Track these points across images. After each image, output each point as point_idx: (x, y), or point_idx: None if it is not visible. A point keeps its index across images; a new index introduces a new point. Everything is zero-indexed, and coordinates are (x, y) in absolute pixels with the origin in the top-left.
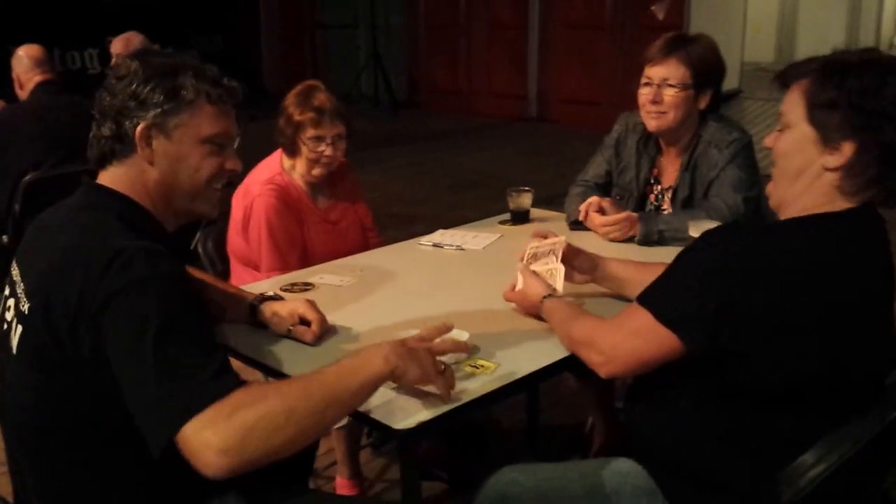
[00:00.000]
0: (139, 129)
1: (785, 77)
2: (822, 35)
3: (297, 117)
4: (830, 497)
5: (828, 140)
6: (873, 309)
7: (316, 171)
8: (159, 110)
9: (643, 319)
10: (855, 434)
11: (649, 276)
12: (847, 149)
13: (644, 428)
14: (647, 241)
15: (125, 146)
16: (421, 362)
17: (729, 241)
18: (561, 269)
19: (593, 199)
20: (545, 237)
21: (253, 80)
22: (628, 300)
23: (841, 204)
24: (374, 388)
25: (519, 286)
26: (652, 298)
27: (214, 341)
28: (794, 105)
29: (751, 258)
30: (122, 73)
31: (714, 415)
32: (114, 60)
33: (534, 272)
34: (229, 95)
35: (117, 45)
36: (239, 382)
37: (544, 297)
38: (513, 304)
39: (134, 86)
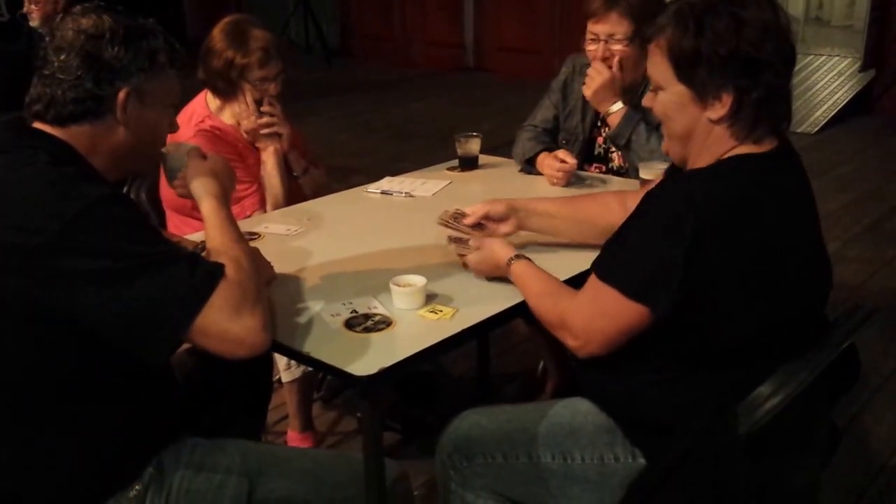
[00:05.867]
0: (122, 94)
1: (643, 35)
2: None
3: (239, 60)
4: (784, 427)
5: (704, 95)
6: (807, 242)
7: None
8: (143, 76)
9: (610, 296)
10: (810, 364)
11: (578, 210)
12: (726, 99)
13: (595, 380)
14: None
15: (100, 108)
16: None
17: (670, 198)
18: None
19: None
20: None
21: (176, 29)
22: (581, 246)
23: (748, 147)
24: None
25: (473, 256)
26: (614, 272)
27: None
28: (658, 65)
29: (693, 211)
30: (94, 32)
31: (666, 371)
32: (34, 8)
33: (486, 238)
34: (179, 57)
35: None
36: None
37: (511, 259)
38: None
39: (115, 48)
